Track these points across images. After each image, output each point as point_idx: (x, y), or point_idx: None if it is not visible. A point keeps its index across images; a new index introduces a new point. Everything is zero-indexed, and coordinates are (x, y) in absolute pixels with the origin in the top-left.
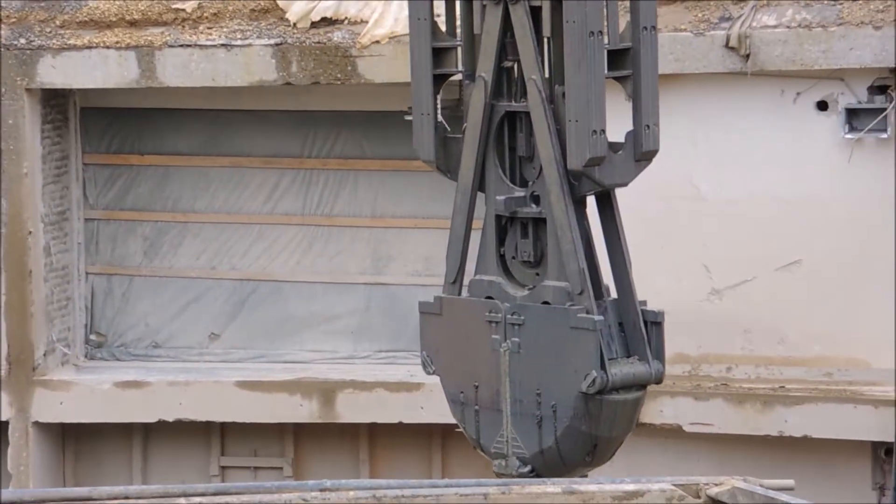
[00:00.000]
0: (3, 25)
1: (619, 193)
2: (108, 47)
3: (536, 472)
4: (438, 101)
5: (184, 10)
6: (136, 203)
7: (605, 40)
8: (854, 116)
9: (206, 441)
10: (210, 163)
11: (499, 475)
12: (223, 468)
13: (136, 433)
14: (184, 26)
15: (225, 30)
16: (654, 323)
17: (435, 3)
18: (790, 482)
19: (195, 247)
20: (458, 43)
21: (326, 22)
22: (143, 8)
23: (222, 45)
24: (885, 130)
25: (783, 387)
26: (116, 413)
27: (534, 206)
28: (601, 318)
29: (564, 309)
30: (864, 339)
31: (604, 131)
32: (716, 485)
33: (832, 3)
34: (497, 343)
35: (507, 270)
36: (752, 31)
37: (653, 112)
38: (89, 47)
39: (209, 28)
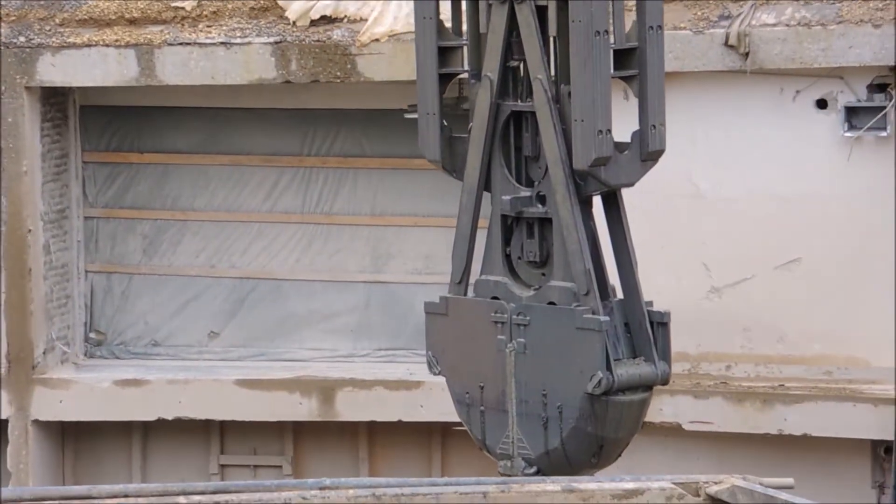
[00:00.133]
0: (2, 23)
1: None
2: (107, 45)
3: (542, 474)
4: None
5: (183, 8)
6: (135, 201)
7: (612, 40)
8: (853, 115)
9: (206, 439)
10: (209, 161)
11: (504, 476)
12: (222, 466)
13: (136, 431)
14: (183, 24)
15: (224, 28)
16: (661, 324)
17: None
18: (790, 480)
19: (195, 245)
20: (464, 42)
21: (326, 20)
22: (142, 6)
23: (222, 43)
24: (884, 129)
25: (783, 385)
26: (116, 411)
27: (539, 206)
28: (607, 318)
29: (570, 309)
30: (864, 337)
31: (609, 131)
32: (715, 483)
33: (832, 1)
34: (503, 343)
35: (512, 271)
36: (752, 30)
37: (659, 112)
38: (89, 45)
39: (208, 26)
